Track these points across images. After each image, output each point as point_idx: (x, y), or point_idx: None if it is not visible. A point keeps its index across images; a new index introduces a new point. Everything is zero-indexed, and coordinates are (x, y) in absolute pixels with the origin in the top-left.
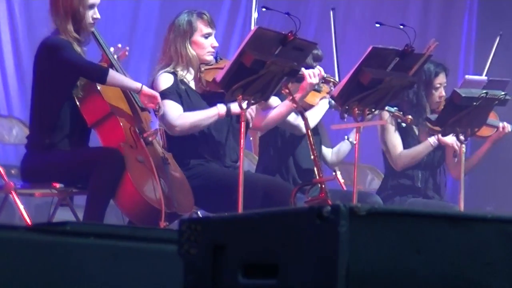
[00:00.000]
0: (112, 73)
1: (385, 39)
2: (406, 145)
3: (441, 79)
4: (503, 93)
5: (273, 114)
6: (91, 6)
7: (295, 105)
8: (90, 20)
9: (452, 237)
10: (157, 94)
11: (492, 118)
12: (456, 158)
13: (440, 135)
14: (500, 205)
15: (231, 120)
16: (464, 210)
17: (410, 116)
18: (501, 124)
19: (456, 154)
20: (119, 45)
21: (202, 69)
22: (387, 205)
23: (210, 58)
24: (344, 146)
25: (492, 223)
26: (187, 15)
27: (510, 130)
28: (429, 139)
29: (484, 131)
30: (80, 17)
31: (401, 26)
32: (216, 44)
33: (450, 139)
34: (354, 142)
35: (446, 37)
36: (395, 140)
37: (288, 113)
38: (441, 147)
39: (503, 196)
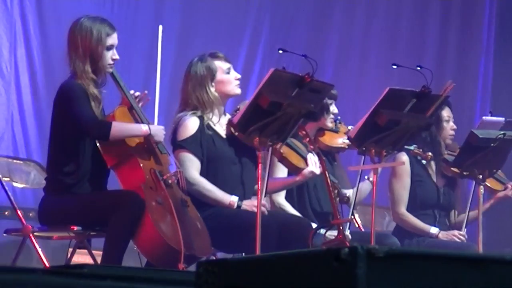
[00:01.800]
0: (115, 127)
1: (402, 80)
2: (420, 186)
3: (447, 112)
4: None
5: (278, 183)
6: (110, 47)
7: (311, 146)
8: (110, 61)
9: (471, 279)
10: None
11: (499, 173)
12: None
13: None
14: None
15: (248, 166)
16: (482, 252)
17: (430, 153)
18: (509, 185)
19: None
20: (138, 93)
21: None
22: (404, 246)
23: (239, 90)
24: (364, 186)
25: (511, 265)
26: (201, 61)
27: None
28: (431, 230)
29: (494, 184)
30: (98, 57)
31: (418, 68)
32: (239, 76)
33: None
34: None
35: (463, 79)
36: (402, 193)
37: (292, 186)
38: (456, 189)
39: None
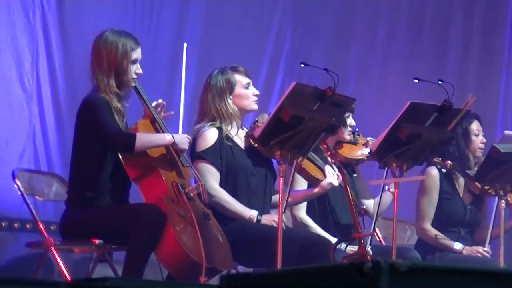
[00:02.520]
0: (140, 138)
1: (424, 94)
2: (448, 203)
3: (476, 125)
4: None
5: (298, 195)
6: (134, 61)
7: (333, 160)
8: (133, 75)
9: None
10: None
11: None
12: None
13: None
14: None
15: (266, 178)
16: (505, 266)
17: (449, 162)
18: None
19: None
20: (160, 100)
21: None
22: (427, 260)
23: (255, 106)
24: (385, 198)
25: None
26: (221, 73)
27: None
28: (455, 245)
29: None
30: (122, 71)
31: (439, 82)
32: (257, 92)
33: None
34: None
35: (484, 93)
36: (428, 208)
37: (311, 198)
38: (483, 205)
39: None
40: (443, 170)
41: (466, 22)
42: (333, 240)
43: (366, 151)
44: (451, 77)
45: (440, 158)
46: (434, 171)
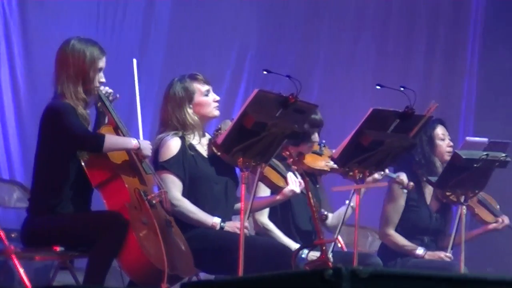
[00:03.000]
0: (108, 139)
1: (389, 101)
2: (414, 211)
3: (441, 130)
4: (504, 154)
5: (260, 202)
6: (100, 70)
7: (295, 167)
8: (97, 84)
9: None
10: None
11: (492, 203)
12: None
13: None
14: (500, 266)
15: (228, 185)
16: (465, 271)
17: (412, 183)
18: (500, 218)
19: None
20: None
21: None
22: (389, 266)
23: (217, 112)
24: (343, 210)
25: (493, 285)
26: (179, 82)
27: (507, 223)
28: (417, 250)
29: (486, 215)
30: (89, 79)
31: (402, 88)
32: (218, 98)
33: None
34: (355, 207)
35: (447, 99)
36: (393, 215)
37: (273, 205)
38: (447, 213)
39: (503, 257)
40: (405, 191)
41: (430, 29)
42: (295, 246)
43: (331, 163)
44: (415, 83)
45: (403, 177)
46: (404, 178)
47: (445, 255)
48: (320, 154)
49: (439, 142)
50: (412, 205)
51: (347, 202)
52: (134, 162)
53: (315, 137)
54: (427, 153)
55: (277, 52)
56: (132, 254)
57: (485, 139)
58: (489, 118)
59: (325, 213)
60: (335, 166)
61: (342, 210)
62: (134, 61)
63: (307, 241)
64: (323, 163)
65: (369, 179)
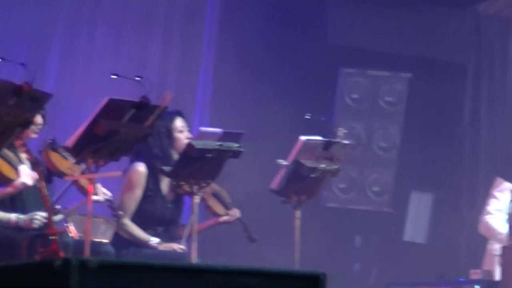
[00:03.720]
0: None
1: (128, 91)
2: (150, 200)
3: (180, 122)
4: (236, 145)
5: None
6: None
7: (28, 157)
8: None
9: None
10: None
11: (225, 197)
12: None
13: None
14: (231, 256)
15: None
16: (197, 262)
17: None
18: (231, 212)
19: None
20: None
21: None
22: (122, 256)
23: None
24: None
25: (223, 275)
26: None
27: (238, 216)
28: (151, 240)
29: (218, 208)
30: None
31: (138, 78)
32: None
33: None
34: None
35: (184, 90)
36: (130, 204)
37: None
38: (181, 204)
39: (233, 248)
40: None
41: (167, 19)
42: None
43: (75, 168)
44: (153, 74)
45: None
46: (141, 168)
47: (179, 247)
48: (66, 158)
49: (177, 134)
50: (149, 195)
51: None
52: None
53: (39, 119)
54: (164, 145)
55: (13, 39)
56: None
57: (219, 130)
58: (224, 110)
59: (58, 207)
60: (76, 174)
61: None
62: None
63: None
64: (68, 166)
65: None
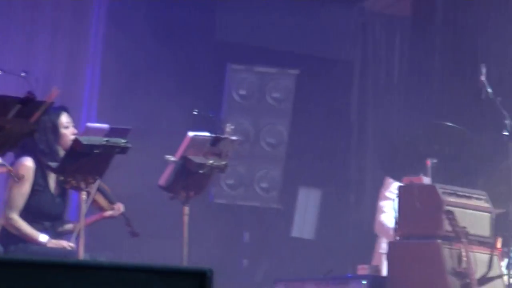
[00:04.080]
0: None
1: (17, 86)
2: (37, 195)
3: (65, 118)
4: (124, 141)
5: None
6: None
7: None
8: None
9: (70, 284)
10: None
11: (109, 191)
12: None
13: None
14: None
15: None
16: (85, 258)
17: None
18: (116, 206)
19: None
20: None
21: None
22: (10, 252)
23: None
24: None
25: (109, 271)
26: None
27: (122, 210)
28: (40, 237)
29: (103, 202)
30: None
31: (23, 74)
32: None
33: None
34: None
35: (70, 86)
36: (18, 199)
37: None
38: (67, 199)
39: (119, 242)
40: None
41: (54, 13)
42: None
43: None
44: (40, 69)
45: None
46: (28, 162)
47: (68, 244)
48: None
49: (63, 130)
50: (37, 190)
51: None
52: None
53: None
54: (50, 141)
55: None
56: None
57: (106, 125)
58: (112, 106)
59: None
60: None
61: None
62: None
63: None
64: None
65: None
